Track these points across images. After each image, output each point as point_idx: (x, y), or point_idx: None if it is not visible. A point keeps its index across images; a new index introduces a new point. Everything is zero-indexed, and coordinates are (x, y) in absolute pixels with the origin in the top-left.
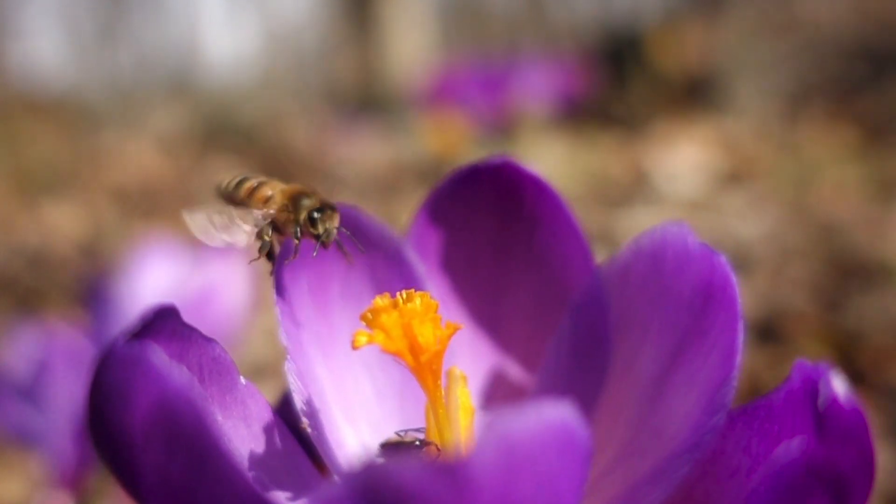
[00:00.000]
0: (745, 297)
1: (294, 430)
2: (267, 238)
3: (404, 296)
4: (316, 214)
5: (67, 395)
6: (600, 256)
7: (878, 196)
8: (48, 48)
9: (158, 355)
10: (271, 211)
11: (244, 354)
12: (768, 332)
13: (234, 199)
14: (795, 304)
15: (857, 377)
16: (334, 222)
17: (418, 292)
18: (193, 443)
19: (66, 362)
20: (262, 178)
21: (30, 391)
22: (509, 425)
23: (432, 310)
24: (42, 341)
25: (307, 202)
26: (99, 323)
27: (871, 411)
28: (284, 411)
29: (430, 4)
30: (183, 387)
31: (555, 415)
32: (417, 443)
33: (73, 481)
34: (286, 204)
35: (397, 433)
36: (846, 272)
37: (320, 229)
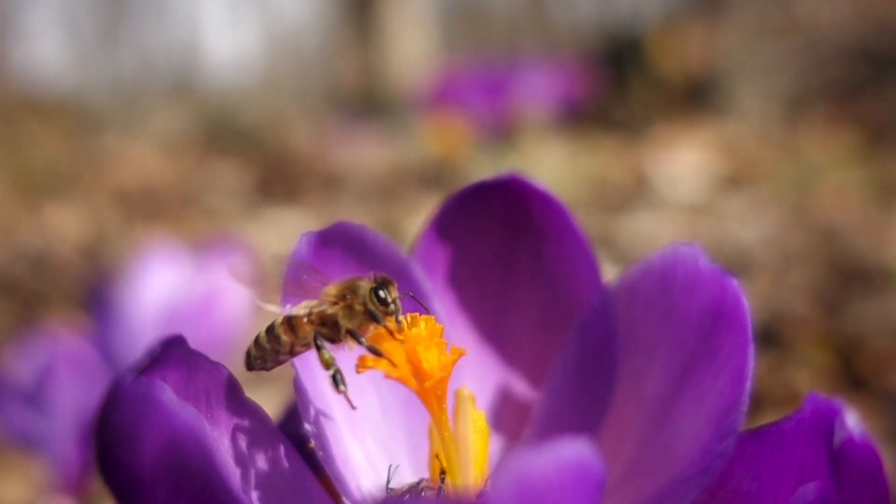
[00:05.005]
0: (748, 303)
1: (300, 446)
2: (286, 339)
3: (408, 320)
4: (381, 293)
5: (71, 399)
6: (601, 261)
7: (879, 200)
8: (50, 50)
9: (166, 393)
10: (324, 307)
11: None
12: (769, 337)
13: (278, 342)
14: (796, 308)
15: (857, 382)
16: (396, 290)
17: (423, 316)
18: (201, 480)
19: (69, 367)
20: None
21: (33, 396)
22: (527, 464)
23: (437, 334)
24: (46, 346)
25: (363, 283)
26: (102, 327)
27: (871, 416)
28: (290, 427)
29: (432, 7)
30: (191, 425)
31: (571, 452)
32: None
33: (76, 485)
34: (342, 296)
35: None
36: (847, 276)
37: (391, 304)
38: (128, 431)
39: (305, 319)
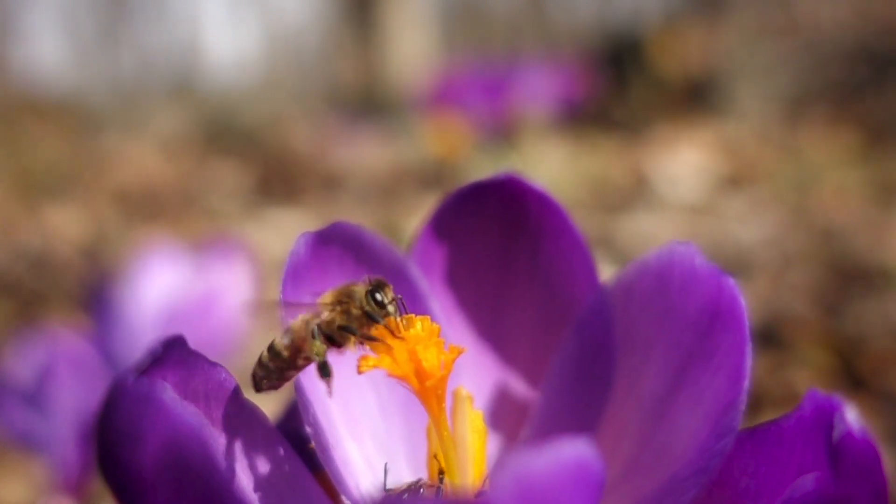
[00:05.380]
0: (746, 302)
1: (299, 446)
2: (284, 355)
3: (404, 321)
4: (378, 295)
5: (71, 400)
6: (601, 261)
7: (879, 200)
8: (50, 51)
9: (168, 393)
10: (323, 315)
11: (245, 359)
12: (769, 337)
13: (280, 359)
14: (796, 308)
15: (857, 382)
16: (392, 291)
17: (419, 317)
18: (202, 480)
19: (69, 367)
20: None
21: (33, 396)
22: (527, 464)
23: (434, 334)
24: (46, 346)
25: (359, 287)
26: (101, 327)
27: (871, 416)
28: (289, 426)
29: (432, 7)
30: (192, 425)
31: (572, 452)
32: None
33: (76, 486)
34: (339, 302)
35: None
36: (847, 277)
37: (389, 306)
38: (129, 431)
39: (305, 332)
